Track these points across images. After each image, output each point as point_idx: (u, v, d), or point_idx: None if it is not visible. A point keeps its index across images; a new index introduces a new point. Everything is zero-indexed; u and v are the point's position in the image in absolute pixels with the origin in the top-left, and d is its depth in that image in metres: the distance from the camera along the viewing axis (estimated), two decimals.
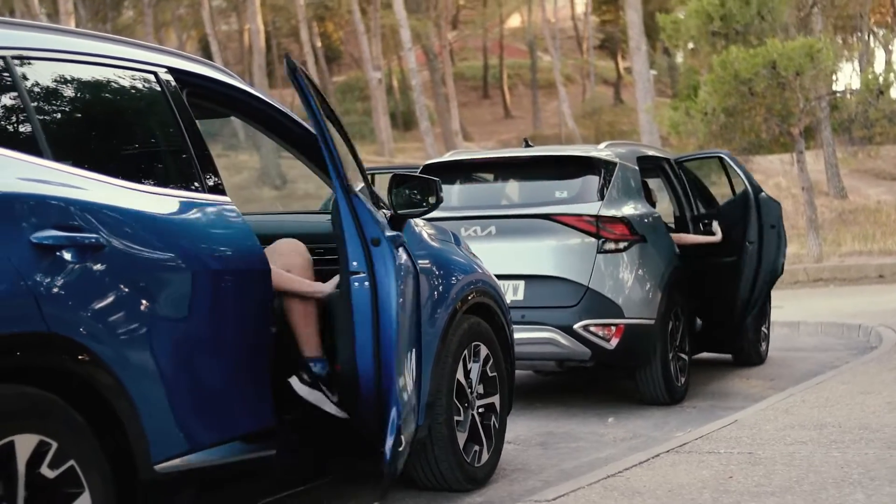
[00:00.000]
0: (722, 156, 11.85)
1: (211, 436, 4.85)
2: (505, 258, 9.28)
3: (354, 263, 5.43)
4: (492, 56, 74.33)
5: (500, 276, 9.16)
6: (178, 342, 4.68)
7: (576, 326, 9.18)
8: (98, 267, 4.28)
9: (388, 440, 5.28)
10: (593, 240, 9.30)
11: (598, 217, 9.35)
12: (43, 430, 3.87)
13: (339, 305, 5.61)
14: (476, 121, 67.06)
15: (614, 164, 9.91)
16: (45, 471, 3.87)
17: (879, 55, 60.25)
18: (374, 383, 5.39)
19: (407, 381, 5.55)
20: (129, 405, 4.29)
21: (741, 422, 7.67)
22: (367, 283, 5.39)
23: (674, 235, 10.39)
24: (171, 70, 5.41)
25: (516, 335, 8.71)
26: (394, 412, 5.32)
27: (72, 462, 3.96)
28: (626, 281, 9.35)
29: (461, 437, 6.60)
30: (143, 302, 4.49)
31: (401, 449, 5.39)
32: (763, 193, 11.28)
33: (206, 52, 58.82)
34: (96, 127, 5.03)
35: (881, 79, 27.09)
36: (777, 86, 25.45)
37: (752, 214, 11.05)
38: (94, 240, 4.28)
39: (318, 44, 66.29)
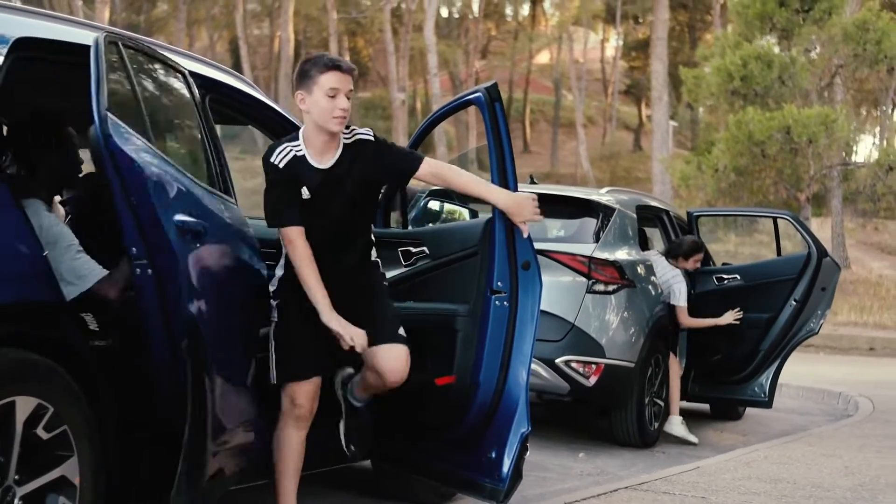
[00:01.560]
0: (788, 218, 12.23)
1: None
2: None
3: (499, 283, 5.79)
4: (517, 89, 74.62)
5: None
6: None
7: (558, 360, 9.47)
8: (203, 251, 4.77)
9: (508, 459, 5.99)
10: (584, 279, 9.61)
11: (590, 258, 9.66)
12: (42, 394, 4.21)
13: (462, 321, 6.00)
14: None
15: (613, 209, 10.23)
16: (41, 432, 4.22)
17: None
18: (493, 399, 5.89)
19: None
20: None
21: (703, 469, 8.01)
22: (506, 303, 5.79)
23: (688, 321, 10.80)
24: (195, 75, 5.75)
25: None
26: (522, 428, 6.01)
27: (65, 427, 4.29)
28: (611, 322, 9.65)
29: None
30: (220, 287, 5.00)
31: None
32: (828, 258, 11.61)
33: (235, 55, 59.37)
34: (171, 128, 5.53)
35: (891, 155, 27.41)
36: (789, 151, 25.81)
37: (807, 275, 11.39)
38: (202, 226, 4.77)
39: (347, 59, 66.71)
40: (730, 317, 10.93)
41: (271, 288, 5.36)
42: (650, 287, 10.22)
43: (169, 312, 4.54)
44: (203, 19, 66.53)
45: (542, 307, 9.39)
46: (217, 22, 67.45)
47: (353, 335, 5.16)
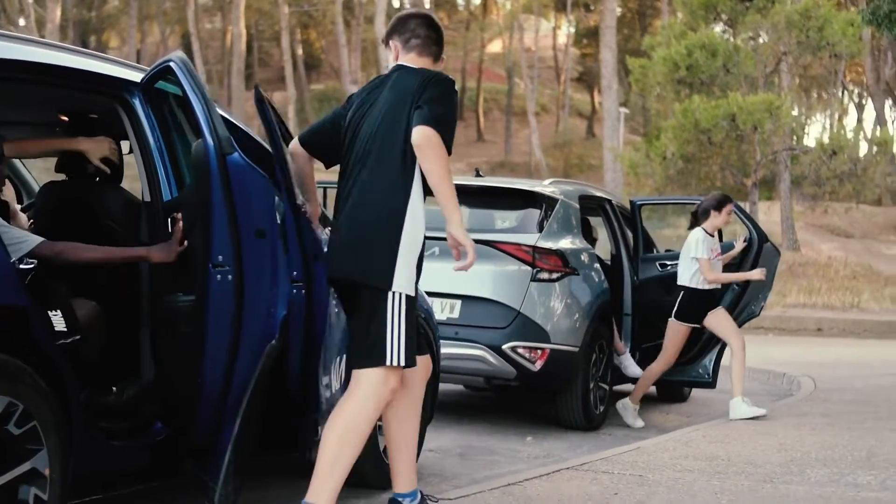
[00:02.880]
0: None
1: None
2: (445, 278, 9.82)
3: (294, 273, 5.69)
4: (470, 79, 74.91)
5: (439, 294, 9.80)
6: None
7: (504, 347, 9.77)
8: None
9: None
10: (528, 268, 9.91)
11: (534, 248, 9.96)
12: (13, 392, 4.51)
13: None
14: None
15: (556, 200, 10.53)
16: (12, 428, 4.52)
17: (854, 112, 61.06)
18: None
19: (332, 381, 6.07)
20: None
21: (642, 448, 8.37)
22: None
23: (711, 274, 10.90)
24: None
25: (449, 350, 9.39)
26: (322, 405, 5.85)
27: (34, 423, 4.59)
28: (555, 309, 9.96)
29: (381, 441, 7.20)
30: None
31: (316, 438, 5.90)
32: (768, 243, 11.91)
33: (188, 50, 59.28)
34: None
35: (837, 140, 27.84)
36: (735, 138, 26.19)
37: (748, 260, 11.68)
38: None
39: (300, 51, 66.88)
40: (758, 273, 11.18)
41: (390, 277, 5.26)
42: (593, 274, 10.53)
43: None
44: (154, 15, 66.47)
45: (489, 296, 9.91)
46: (168, 17, 67.39)
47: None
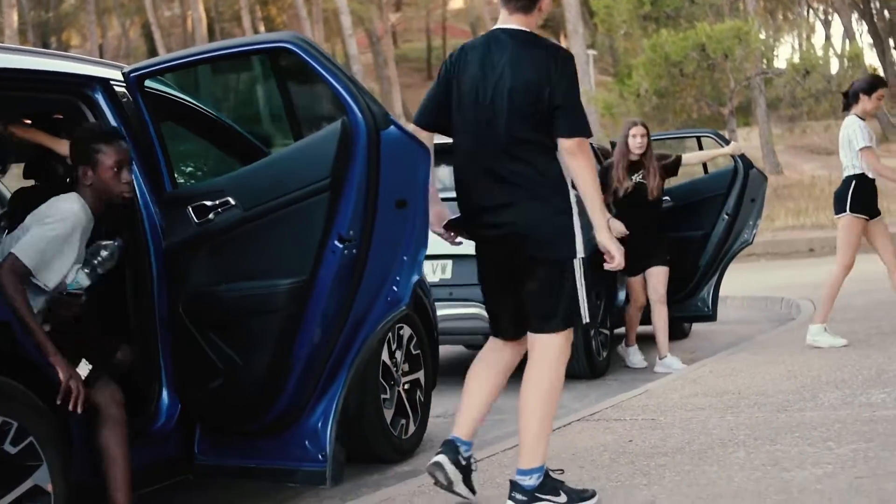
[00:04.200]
0: (710, 135, 12.44)
1: None
2: (433, 239, 9.76)
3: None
4: (435, 37, 74.60)
5: (429, 256, 9.65)
6: None
7: None
8: None
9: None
10: None
11: None
12: (4, 411, 4.39)
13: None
14: (420, 102, 67.27)
15: None
16: (8, 447, 4.41)
17: (821, 30, 60.90)
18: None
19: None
20: None
21: (651, 391, 8.27)
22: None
23: (877, 164, 10.22)
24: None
25: (445, 311, 9.27)
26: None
27: (31, 439, 4.47)
28: None
29: (388, 413, 7.12)
30: None
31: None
32: (754, 169, 11.80)
33: (150, 39, 59.05)
34: None
35: (809, 59, 27.76)
36: (707, 67, 26.11)
37: (735, 188, 11.57)
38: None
39: (262, 28, 66.54)
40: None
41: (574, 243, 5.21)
42: (584, 218, 10.36)
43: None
44: (112, 8, 66.08)
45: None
46: (127, 9, 66.98)
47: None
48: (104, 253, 5.32)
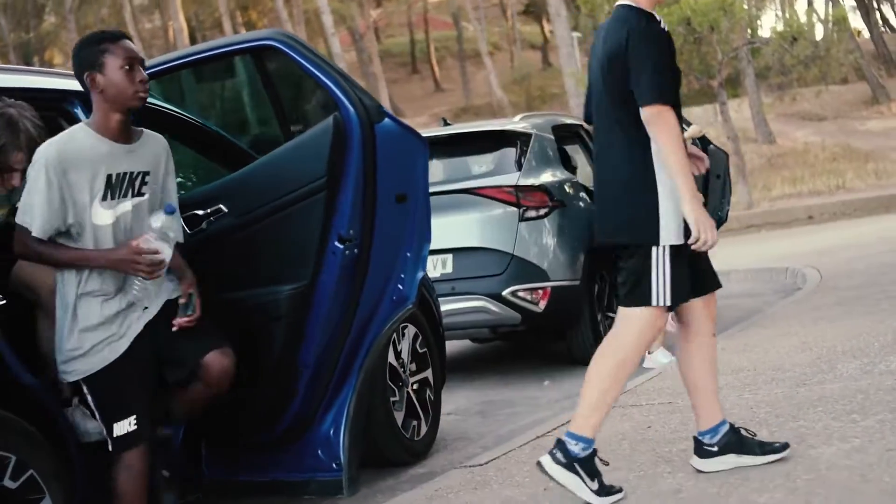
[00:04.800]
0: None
1: None
2: (433, 233, 9.64)
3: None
4: (417, 31, 74.38)
5: (430, 251, 9.52)
6: None
7: (504, 293, 9.52)
8: None
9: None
10: (514, 209, 9.65)
11: (517, 187, 9.70)
12: (2, 446, 4.19)
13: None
14: (407, 96, 67.17)
15: (530, 135, 10.28)
16: (7, 483, 4.21)
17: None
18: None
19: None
20: None
21: (664, 373, 8.10)
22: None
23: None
24: None
25: (448, 306, 9.12)
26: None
27: (31, 472, 4.28)
28: (549, 246, 9.70)
29: (399, 416, 6.94)
30: None
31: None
32: (711, 145, 11.64)
33: None
34: None
35: (793, 26, 27.59)
36: (693, 41, 25.90)
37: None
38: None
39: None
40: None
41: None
42: (581, 203, 10.24)
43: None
44: (93, 24, 65.79)
45: (479, 244, 9.64)
46: (107, 24, 66.54)
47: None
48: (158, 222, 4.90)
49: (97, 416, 4.71)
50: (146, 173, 4.84)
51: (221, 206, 5.30)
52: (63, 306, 4.70)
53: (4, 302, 5.12)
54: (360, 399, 5.44)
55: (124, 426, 4.59)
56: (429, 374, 7.42)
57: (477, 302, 9.57)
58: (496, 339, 10.82)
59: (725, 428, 5.22)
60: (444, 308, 8.62)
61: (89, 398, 4.70)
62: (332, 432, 5.25)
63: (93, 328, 4.65)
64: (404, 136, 5.03)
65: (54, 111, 5.60)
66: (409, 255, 5.26)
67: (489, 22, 71.48)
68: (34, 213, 4.61)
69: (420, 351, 7.36)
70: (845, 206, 25.77)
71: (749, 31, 31.35)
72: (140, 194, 4.83)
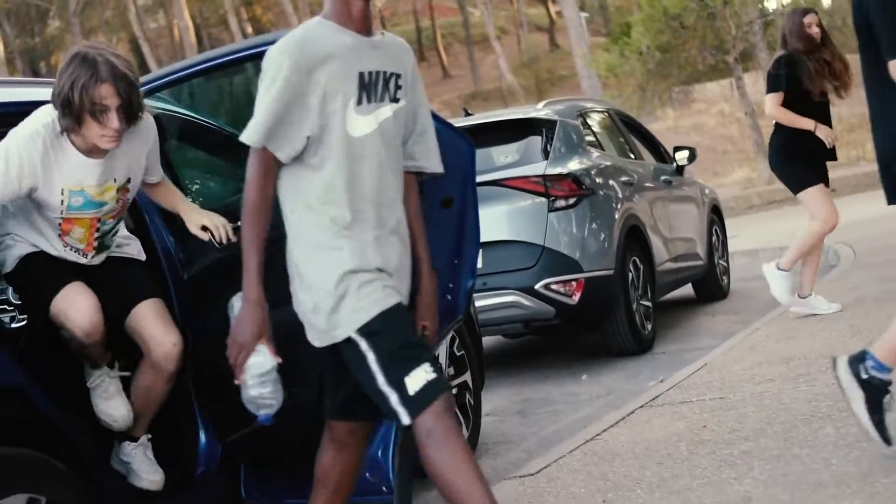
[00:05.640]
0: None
1: None
2: None
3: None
4: (423, 18, 74.18)
5: None
6: None
7: (537, 286, 9.25)
8: None
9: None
10: (543, 199, 9.38)
11: (544, 176, 9.42)
12: (30, 487, 3.91)
13: None
14: None
15: (555, 122, 10.02)
16: None
17: None
18: None
19: None
20: None
21: (710, 365, 7.78)
22: None
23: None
24: None
25: (480, 302, 8.84)
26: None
27: None
28: (581, 235, 9.42)
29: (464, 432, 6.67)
30: None
31: None
32: None
33: (139, 53, 58.53)
34: None
35: None
36: (707, 17, 25.63)
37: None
38: None
39: (249, 29, 66.08)
40: None
41: None
42: (611, 190, 9.98)
43: None
44: (98, 26, 65.64)
45: (509, 237, 9.36)
46: (112, 25, 66.53)
47: None
48: None
49: (384, 379, 3.89)
50: (398, 76, 4.12)
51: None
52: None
53: (24, 322, 4.88)
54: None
55: (420, 377, 3.84)
56: (467, 377, 7.13)
57: (509, 297, 9.31)
58: (529, 334, 10.54)
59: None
60: (476, 304, 8.34)
61: (372, 356, 3.92)
62: (380, 453, 4.94)
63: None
64: (448, 136, 4.70)
65: None
66: (457, 262, 4.94)
67: (495, 6, 71.11)
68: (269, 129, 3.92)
69: (457, 354, 7.08)
70: (867, 176, 25.38)
71: (760, 4, 31.05)
72: (396, 100, 4.12)
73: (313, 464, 4.72)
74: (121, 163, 4.69)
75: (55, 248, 4.74)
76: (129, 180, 4.78)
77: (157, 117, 5.14)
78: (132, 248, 5.14)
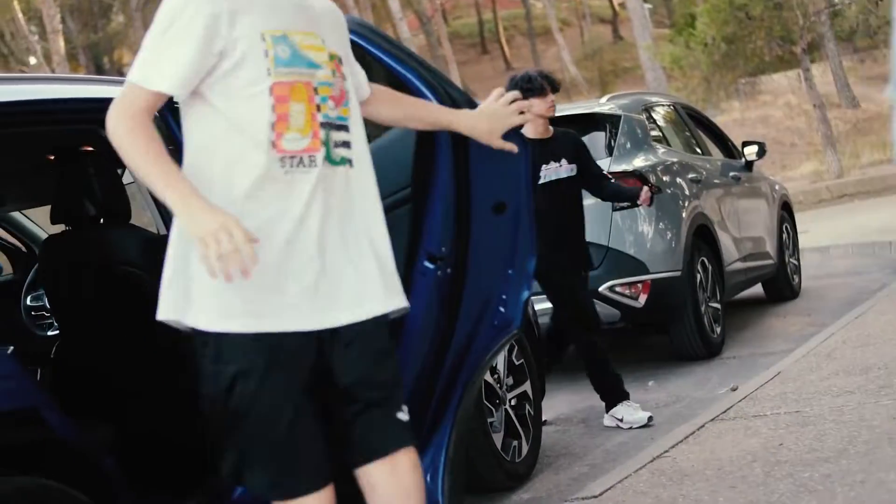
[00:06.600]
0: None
1: None
2: None
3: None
4: (485, 10, 73.74)
5: None
6: None
7: (601, 289, 8.89)
8: None
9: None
10: None
11: (609, 174, 9.05)
12: None
13: None
14: (478, 77, 66.51)
15: (619, 117, 9.68)
16: None
17: None
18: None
19: None
20: None
21: (784, 374, 7.37)
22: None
23: None
24: None
25: (542, 306, 8.46)
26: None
27: None
28: (647, 235, 9.08)
29: (497, 438, 6.32)
30: None
31: None
32: None
33: None
34: None
35: None
36: (774, 7, 25.15)
37: None
38: None
39: None
40: None
41: None
42: (678, 188, 9.60)
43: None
44: None
45: None
46: None
47: None
48: None
49: None
50: None
51: None
52: None
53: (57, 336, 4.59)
54: (460, 439, 4.77)
55: None
56: (527, 386, 6.77)
57: None
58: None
59: None
60: (537, 308, 7.98)
61: None
62: (429, 477, 4.59)
63: None
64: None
65: (96, 123, 4.98)
66: (511, 272, 4.58)
67: None
68: None
69: (517, 363, 6.73)
70: None
71: None
72: None
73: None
74: (326, 21, 3.55)
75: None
76: (341, 60, 3.54)
77: None
78: None
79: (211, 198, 3.14)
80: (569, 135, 7.85)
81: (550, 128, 7.74)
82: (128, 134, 3.25)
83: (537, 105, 7.46)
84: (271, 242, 3.22)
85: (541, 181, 7.55)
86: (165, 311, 3.26)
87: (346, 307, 3.34)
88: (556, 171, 7.63)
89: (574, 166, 7.70)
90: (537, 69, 7.85)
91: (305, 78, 3.31)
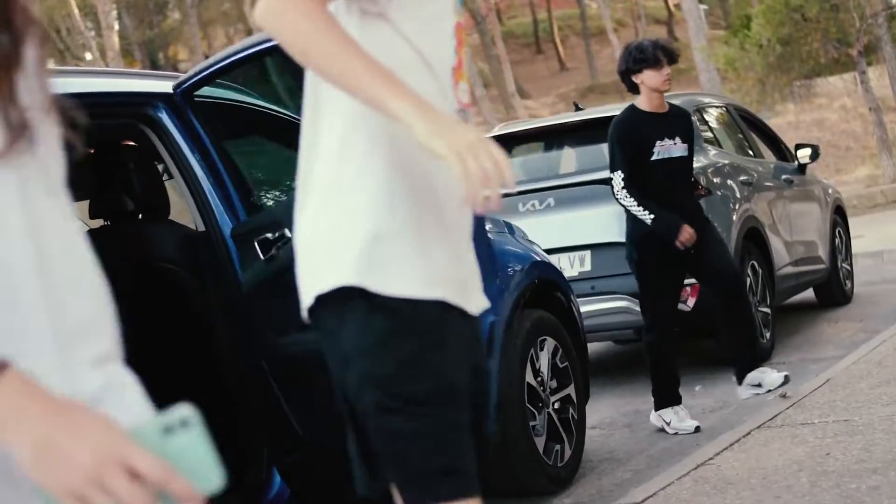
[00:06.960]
0: None
1: None
2: (568, 229, 9.01)
3: None
4: (540, 10, 73.60)
5: (564, 249, 8.90)
6: None
7: None
8: None
9: None
10: None
11: None
12: None
13: None
14: (532, 77, 66.41)
15: None
16: None
17: None
18: None
19: None
20: None
21: (833, 381, 7.24)
22: None
23: None
24: None
25: (588, 307, 8.42)
26: None
27: None
28: None
29: (539, 442, 6.23)
30: None
31: None
32: None
33: None
34: None
35: None
36: (830, 9, 24.90)
37: None
38: None
39: None
40: None
41: None
42: (729, 190, 9.48)
43: None
44: (216, 18, 65.97)
45: (620, 239, 8.85)
46: (229, 17, 66.79)
47: None
48: None
49: None
50: None
51: (287, 230, 4.41)
52: None
53: None
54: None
55: None
56: (571, 390, 6.68)
57: (619, 302, 8.89)
58: (640, 341, 10.05)
59: None
60: (583, 309, 7.87)
61: None
62: None
63: None
64: None
65: (135, 118, 4.93)
66: None
67: None
68: None
69: (560, 365, 6.63)
70: None
71: None
72: None
73: None
74: None
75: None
76: None
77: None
78: None
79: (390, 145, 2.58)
80: (684, 114, 7.69)
81: (666, 103, 7.58)
82: (316, 31, 2.43)
83: (651, 77, 7.29)
84: (457, 203, 2.61)
85: (653, 157, 7.39)
86: (339, 275, 2.57)
87: (479, 295, 2.82)
88: (669, 148, 7.45)
89: (686, 146, 7.52)
90: (652, 39, 7.70)
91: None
